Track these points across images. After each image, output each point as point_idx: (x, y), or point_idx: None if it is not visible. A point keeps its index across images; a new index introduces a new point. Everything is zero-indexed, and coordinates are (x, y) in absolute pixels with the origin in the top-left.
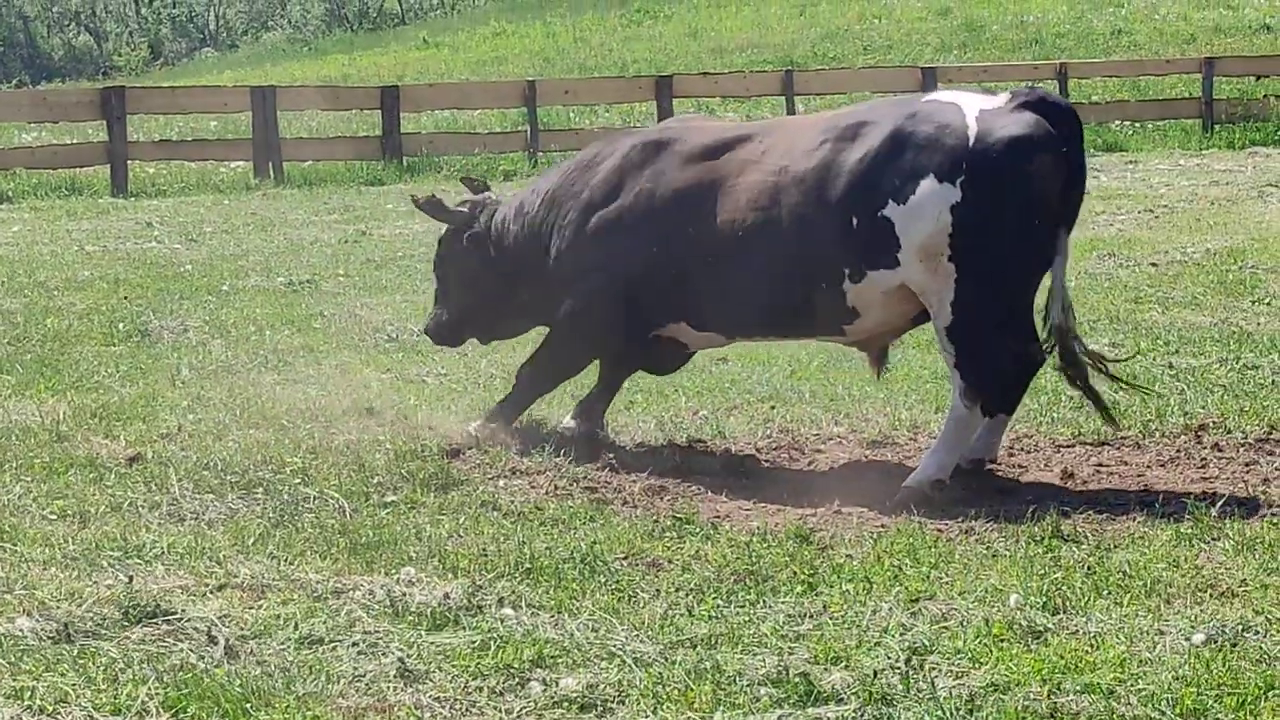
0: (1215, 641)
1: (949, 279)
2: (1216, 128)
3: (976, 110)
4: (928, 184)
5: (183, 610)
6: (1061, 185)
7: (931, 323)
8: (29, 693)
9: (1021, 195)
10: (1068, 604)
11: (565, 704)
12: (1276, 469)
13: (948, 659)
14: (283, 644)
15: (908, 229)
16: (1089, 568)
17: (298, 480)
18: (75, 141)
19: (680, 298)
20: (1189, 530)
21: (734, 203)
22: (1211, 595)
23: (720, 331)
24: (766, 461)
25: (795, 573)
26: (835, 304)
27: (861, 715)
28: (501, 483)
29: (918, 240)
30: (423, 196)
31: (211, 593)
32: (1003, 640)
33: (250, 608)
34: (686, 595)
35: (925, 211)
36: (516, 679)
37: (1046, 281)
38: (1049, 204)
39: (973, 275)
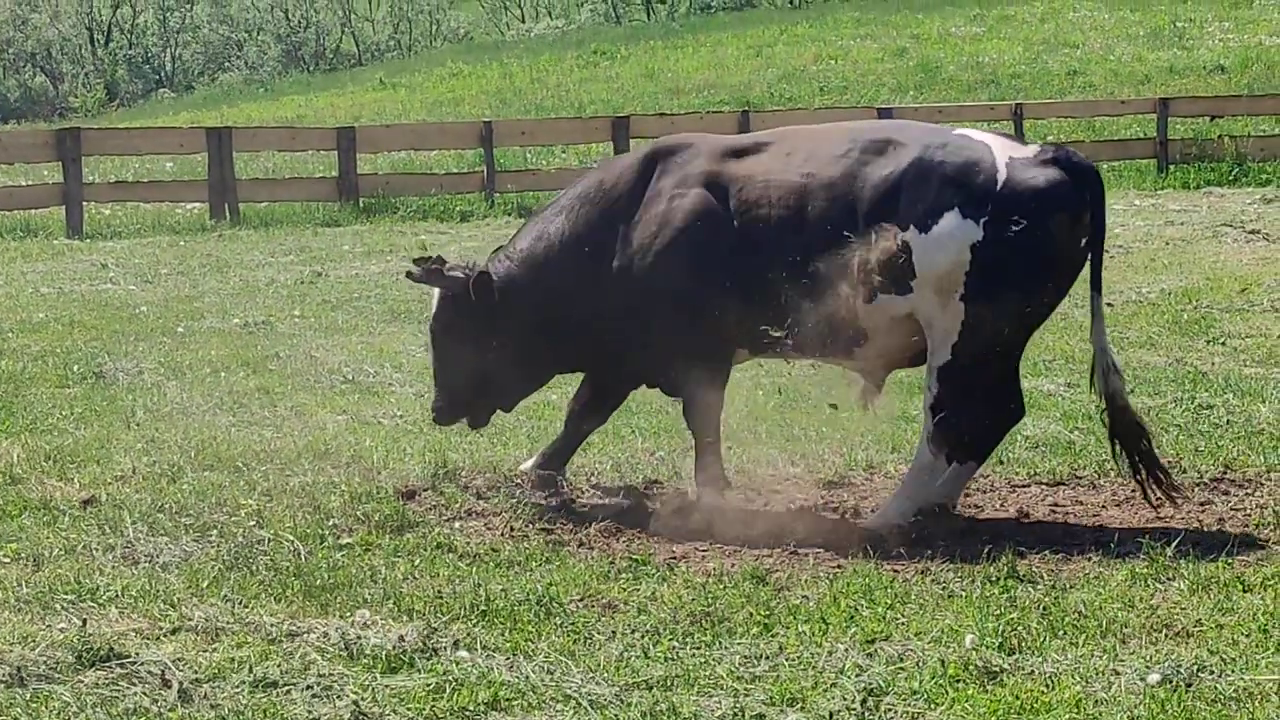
0: (1170, 682)
1: (957, 318)
2: (1171, 168)
3: (1006, 155)
4: (952, 217)
5: (136, 654)
6: (1081, 245)
7: (929, 360)
8: None
9: (1040, 246)
10: (1023, 644)
11: None
12: (1231, 509)
13: (903, 700)
14: (237, 687)
15: (925, 259)
16: (1045, 608)
17: (252, 523)
18: (30, 183)
19: (730, 312)
20: (1144, 570)
21: (762, 206)
22: (1167, 635)
23: (750, 349)
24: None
25: (751, 614)
26: (848, 324)
27: None
28: (457, 525)
29: (935, 272)
30: (418, 268)
31: (165, 636)
32: (958, 681)
33: (204, 651)
34: (642, 637)
35: (946, 245)
36: None
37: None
38: (1064, 260)
39: (980, 318)
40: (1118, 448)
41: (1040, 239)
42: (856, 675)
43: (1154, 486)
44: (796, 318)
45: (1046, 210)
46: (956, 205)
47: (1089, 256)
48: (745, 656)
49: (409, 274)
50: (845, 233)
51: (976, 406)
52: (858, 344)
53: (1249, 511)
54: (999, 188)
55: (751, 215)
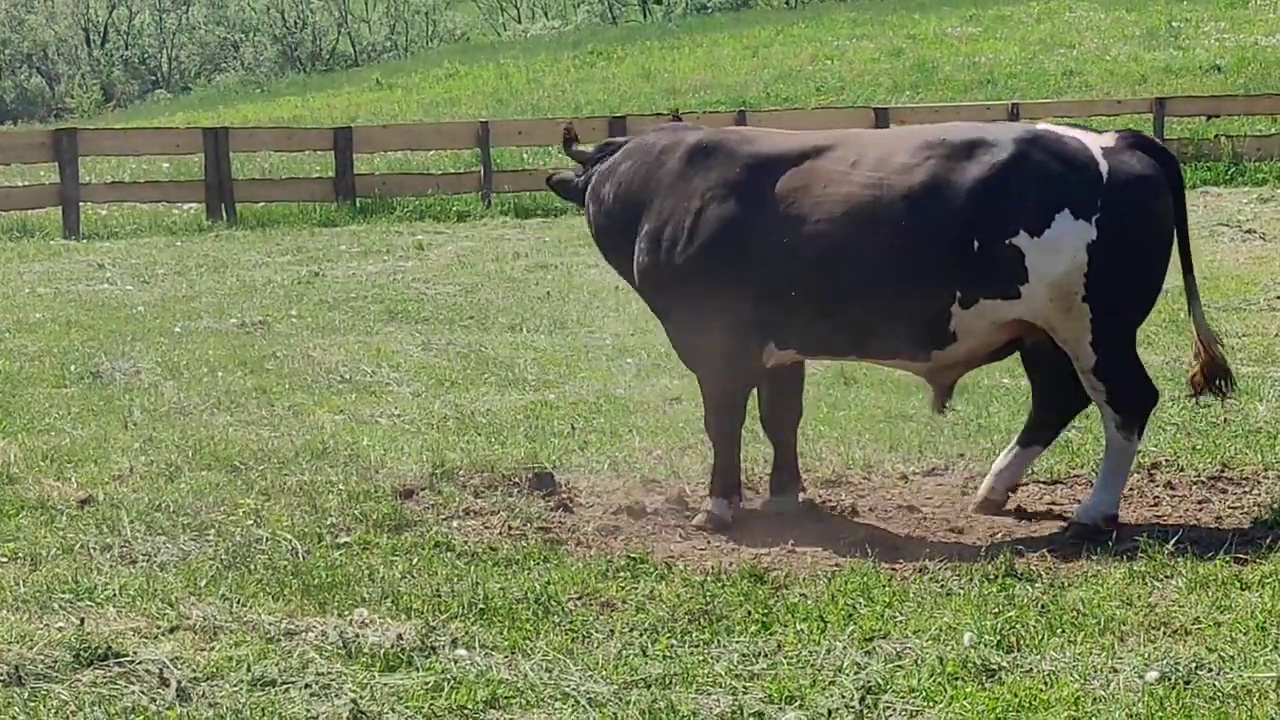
0: (1168, 679)
1: (1084, 319)
2: None
3: (1099, 146)
4: (1064, 219)
5: (134, 652)
6: (1173, 223)
7: (1073, 363)
8: None
9: (1151, 234)
10: (1021, 642)
11: None
12: (1229, 507)
13: (902, 698)
14: (235, 686)
15: (1040, 263)
16: (1043, 606)
17: (250, 522)
18: (27, 184)
19: (764, 314)
20: (1142, 568)
21: (823, 214)
22: (1165, 633)
23: (801, 349)
24: None
25: (750, 612)
26: (934, 326)
27: None
28: (455, 523)
29: (1050, 277)
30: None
31: (163, 635)
32: (957, 679)
33: (202, 650)
34: (641, 635)
35: (1062, 247)
36: None
37: None
38: (1168, 241)
39: (1108, 314)
40: (1204, 377)
41: (1151, 225)
42: (855, 673)
43: (1220, 382)
44: (867, 327)
45: (1152, 195)
46: (1067, 206)
47: (1179, 236)
48: (743, 654)
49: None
50: (937, 241)
51: (1143, 382)
52: (941, 346)
53: (1246, 509)
54: (1106, 182)
55: (813, 226)
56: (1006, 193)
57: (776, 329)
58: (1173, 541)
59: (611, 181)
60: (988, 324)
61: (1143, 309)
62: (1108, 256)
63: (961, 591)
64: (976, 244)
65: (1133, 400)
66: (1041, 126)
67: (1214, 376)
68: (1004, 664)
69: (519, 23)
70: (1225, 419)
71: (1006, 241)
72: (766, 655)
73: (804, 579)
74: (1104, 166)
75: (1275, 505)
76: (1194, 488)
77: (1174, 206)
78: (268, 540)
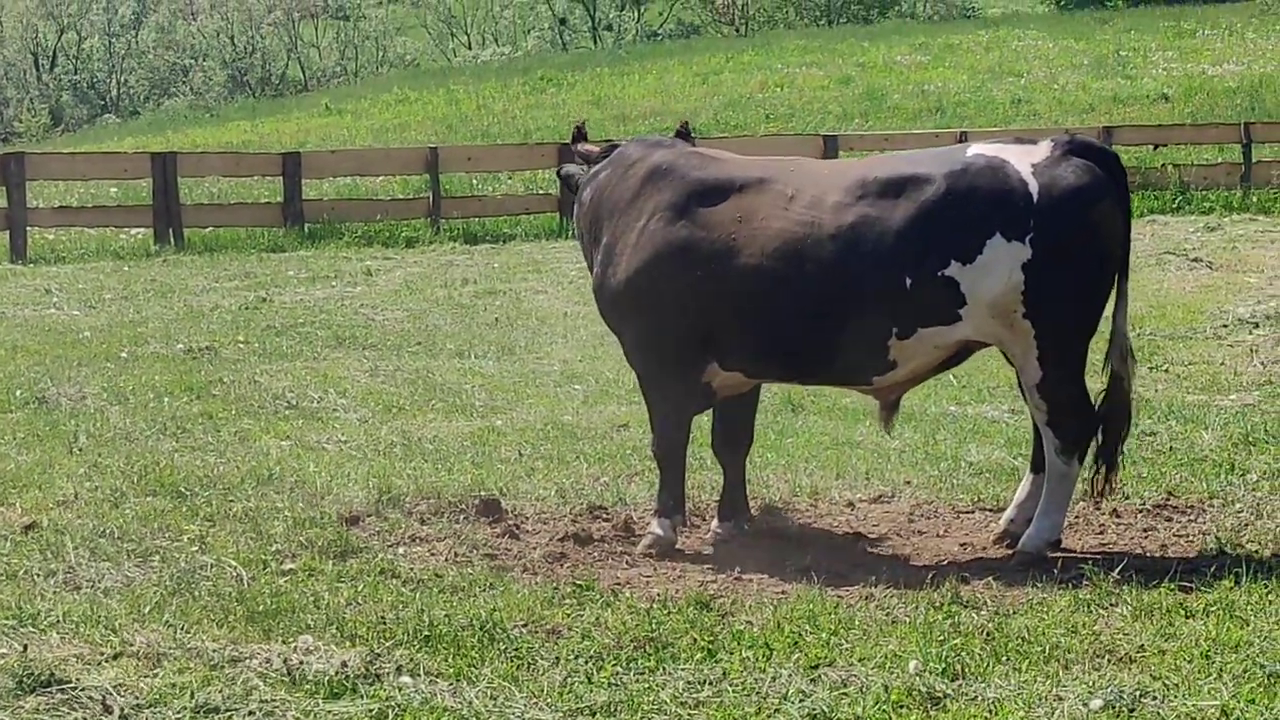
0: (1113, 707)
1: (1028, 335)
2: None
3: (1028, 164)
4: (996, 243)
5: (77, 679)
6: (1120, 226)
7: (1020, 380)
8: None
9: (1089, 244)
10: (967, 670)
11: None
12: (1174, 535)
13: None
14: (178, 713)
15: (976, 288)
16: (988, 634)
17: (195, 548)
18: None
19: (707, 338)
20: (1087, 596)
21: (759, 250)
22: (1110, 661)
23: (745, 372)
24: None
25: (695, 639)
26: (873, 356)
27: None
28: (401, 550)
29: (987, 298)
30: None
31: (107, 661)
32: (902, 706)
33: (146, 676)
34: (586, 662)
35: (995, 270)
36: None
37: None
38: (1113, 249)
39: (1052, 330)
40: (1101, 427)
41: (1089, 234)
42: (800, 701)
43: (1103, 474)
44: (812, 355)
45: (1085, 206)
46: (997, 230)
47: (1124, 240)
48: (689, 682)
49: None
50: (869, 280)
51: (1086, 406)
52: (882, 373)
53: (1191, 538)
54: (1036, 200)
55: (747, 263)
56: (935, 228)
57: (720, 351)
58: (1118, 569)
59: (592, 187)
60: (929, 348)
61: (1090, 320)
62: (1045, 273)
63: (907, 619)
64: (909, 281)
65: (1073, 424)
66: (973, 150)
67: (1114, 418)
68: (949, 692)
69: (469, 49)
70: (1171, 447)
71: (939, 274)
72: (712, 683)
73: (750, 606)
74: (1034, 185)
75: (1220, 534)
76: (1139, 516)
77: (1119, 209)
78: (212, 566)
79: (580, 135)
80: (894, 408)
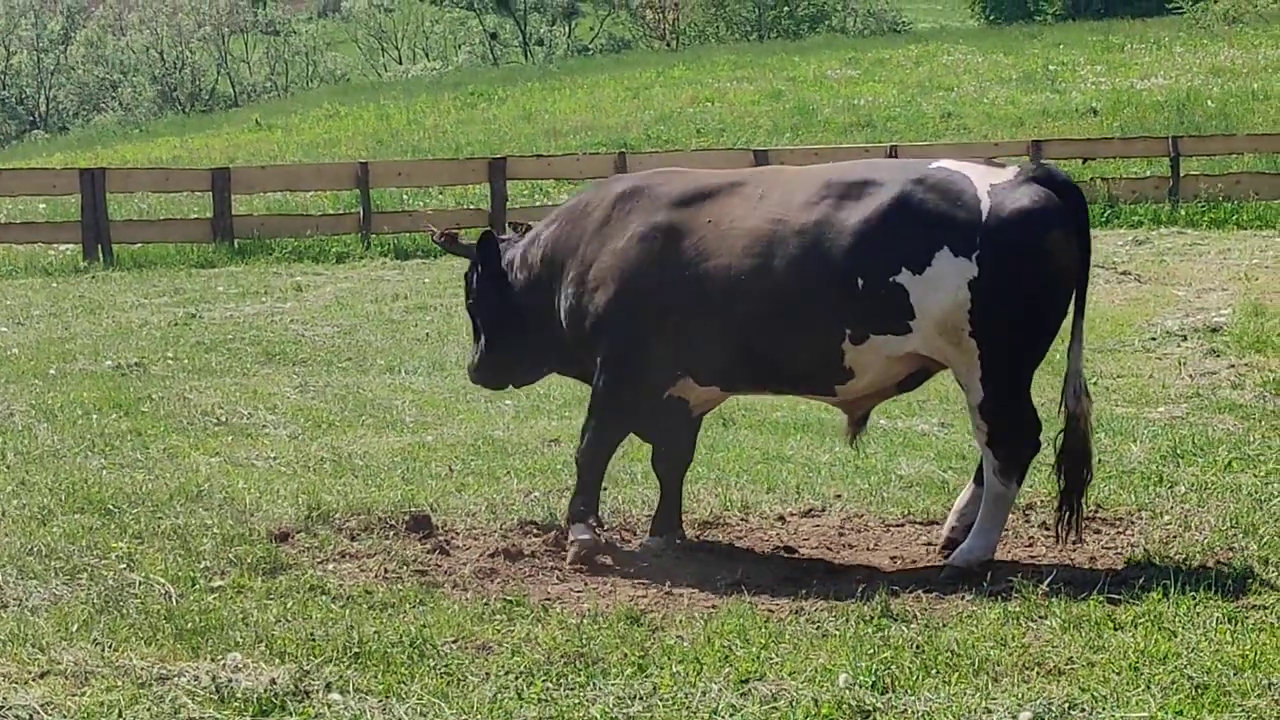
0: (1042, 719)
1: (973, 355)
2: None
3: (987, 183)
4: (944, 256)
5: (5, 699)
6: (1073, 258)
7: (965, 398)
8: None
9: (1037, 269)
10: (896, 683)
11: None
12: (1103, 547)
13: None
14: None
15: (924, 299)
16: (918, 646)
17: (123, 566)
18: None
19: (683, 349)
20: (1017, 609)
21: (729, 250)
22: (1039, 673)
23: (719, 385)
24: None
25: (626, 654)
26: (830, 363)
27: None
28: (330, 567)
29: (935, 313)
30: (439, 230)
31: (34, 680)
32: None
33: (74, 695)
34: (516, 678)
35: (943, 285)
36: None
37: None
38: (1063, 277)
39: (997, 350)
40: (1061, 469)
41: (1038, 259)
42: (731, 715)
43: (1067, 519)
44: (773, 361)
45: (1035, 232)
46: (946, 244)
47: (1080, 274)
48: (619, 697)
49: (430, 232)
50: (825, 279)
51: (1028, 429)
52: (842, 381)
53: (1120, 550)
54: (985, 219)
55: (716, 264)
56: (888, 232)
57: (694, 364)
58: (1047, 582)
59: (541, 243)
60: (882, 359)
61: (1036, 346)
62: (992, 293)
63: (837, 632)
64: (861, 282)
65: (1013, 446)
66: (938, 163)
67: (1073, 460)
68: (879, 705)
69: (399, 64)
70: (1099, 460)
71: (890, 279)
72: (642, 698)
73: (680, 621)
74: (986, 204)
75: (1148, 546)
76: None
77: (1073, 241)
78: (140, 584)
79: (453, 238)
80: (861, 423)
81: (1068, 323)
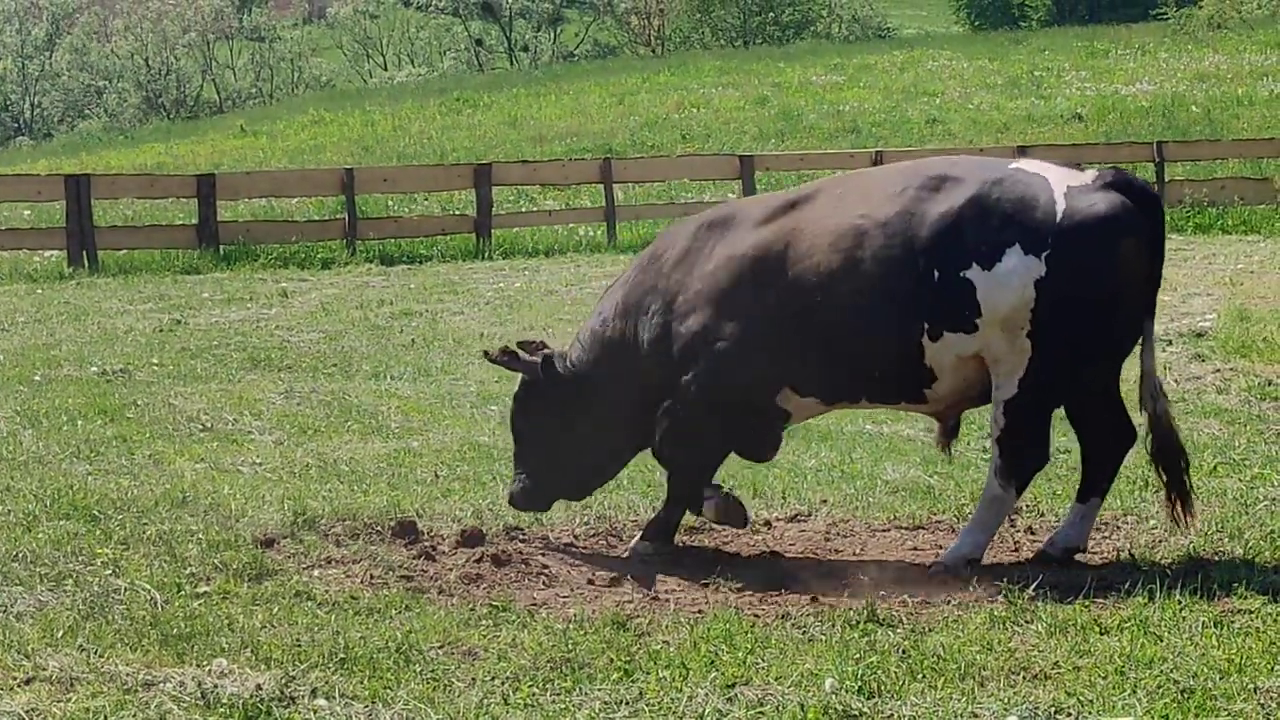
0: None
1: (1023, 355)
2: None
3: (1064, 185)
4: (1013, 254)
5: None
6: (1146, 268)
7: (992, 391)
8: None
9: (1106, 276)
10: (882, 688)
11: None
12: (1089, 551)
13: None
14: None
15: (991, 296)
16: (904, 651)
17: (109, 572)
18: None
19: (782, 359)
20: (1003, 613)
21: (818, 250)
22: (1025, 678)
23: (819, 396)
24: (584, 548)
25: (612, 660)
26: (913, 363)
27: None
28: (316, 573)
29: (1001, 310)
30: (495, 351)
31: (19, 686)
32: None
33: (59, 701)
34: (502, 684)
35: (1010, 282)
36: None
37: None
38: (1132, 287)
39: (1047, 354)
40: (1159, 466)
41: (1107, 266)
42: None
43: (1180, 508)
44: (864, 364)
45: (1111, 236)
46: (1017, 241)
47: (1151, 281)
48: (605, 702)
49: (485, 352)
50: (907, 270)
51: (1042, 441)
52: (928, 384)
53: (1105, 554)
54: (1058, 220)
55: (805, 266)
56: (963, 227)
57: (795, 374)
58: (1033, 586)
59: (606, 315)
60: (954, 358)
61: (1090, 353)
62: (1057, 294)
63: (823, 637)
64: (936, 275)
65: (1022, 453)
66: (1016, 164)
67: (1167, 455)
68: (865, 710)
69: (385, 70)
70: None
71: (960, 274)
72: (628, 703)
73: (666, 626)
74: (1061, 205)
75: (1134, 550)
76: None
77: (1147, 249)
78: (126, 590)
79: (515, 355)
80: (953, 432)
81: None
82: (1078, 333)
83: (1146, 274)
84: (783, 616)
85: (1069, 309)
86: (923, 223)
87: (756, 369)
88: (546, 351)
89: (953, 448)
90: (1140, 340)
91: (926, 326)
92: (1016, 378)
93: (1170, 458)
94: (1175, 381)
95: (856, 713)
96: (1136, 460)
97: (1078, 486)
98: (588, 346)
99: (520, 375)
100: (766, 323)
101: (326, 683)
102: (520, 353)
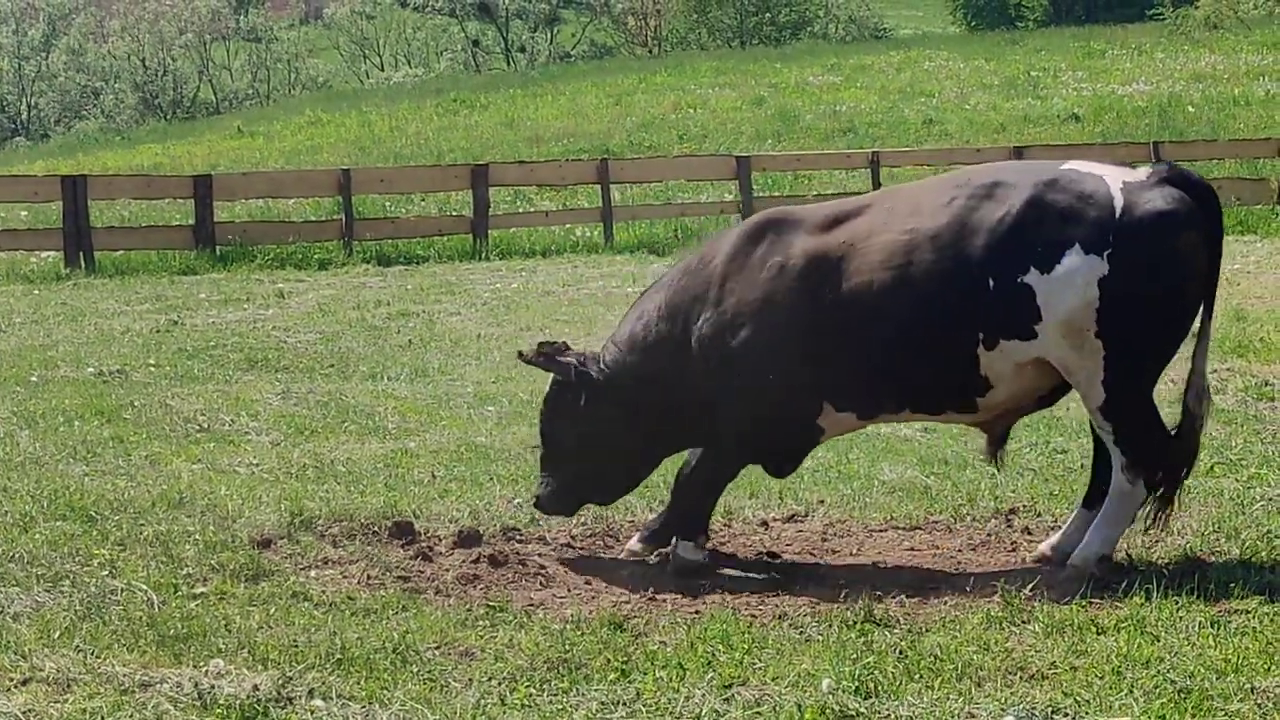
0: None
1: (1098, 356)
2: None
3: (1120, 182)
4: (1074, 255)
5: None
6: (1206, 260)
7: (1082, 402)
8: None
9: (1168, 271)
10: (880, 688)
11: None
12: None
13: None
14: None
15: (1051, 300)
16: (901, 651)
17: (105, 572)
18: None
19: (827, 376)
20: (1000, 613)
21: (868, 266)
22: (1021, 678)
23: (857, 411)
24: (581, 549)
25: (609, 660)
26: (968, 373)
27: None
28: (313, 573)
29: (1062, 313)
30: (530, 351)
31: (16, 687)
32: None
33: (56, 702)
34: (499, 684)
35: (1072, 283)
36: None
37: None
38: (1194, 280)
39: (1122, 352)
40: (1176, 463)
41: (1169, 260)
42: None
43: (1155, 512)
44: (915, 378)
45: (1172, 231)
46: (1077, 242)
47: (1210, 275)
48: (602, 703)
49: (520, 354)
50: (960, 280)
51: (1157, 429)
52: (981, 394)
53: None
54: (1119, 217)
55: (855, 283)
56: (1019, 232)
57: (834, 390)
58: (1030, 586)
59: (649, 318)
60: (1012, 365)
61: (1163, 348)
62: (1122, 292)
63: (820, 637)
64: (992, 283)
65: (1143, 442)
66: (1069, 164)
67: (1179, 457)
68: (862, 710)
69: (382, 70)
70: (1082, 465)
71: (1018, 279)
72: (625, 703)
73: (664, 626)
74: (1119, 202)
75: (1131, 550)
76: (1051, 533)
77: (1206, 244)
78: (123, 591)
79: (551, 356)
80: (1001, 442)
81: None
82: (1147, 327)
83: (1205, 268)
84: (780, 617)
85: (1135, 305)
86: (976, 231)
87: (801, 384)
88: (580, 353)
89: (1000, 455)
90: (1197, 335)
91: (982, 336)
92: (1099, 381)
93: (1180, 458)
94: (1171, 382)
95: (853, 713)
96: None
97: (1084, 492)
98: (626, 349)
99: (551, 376)
100: (815, 338)
101: (323, 683)
102: (556, 355)
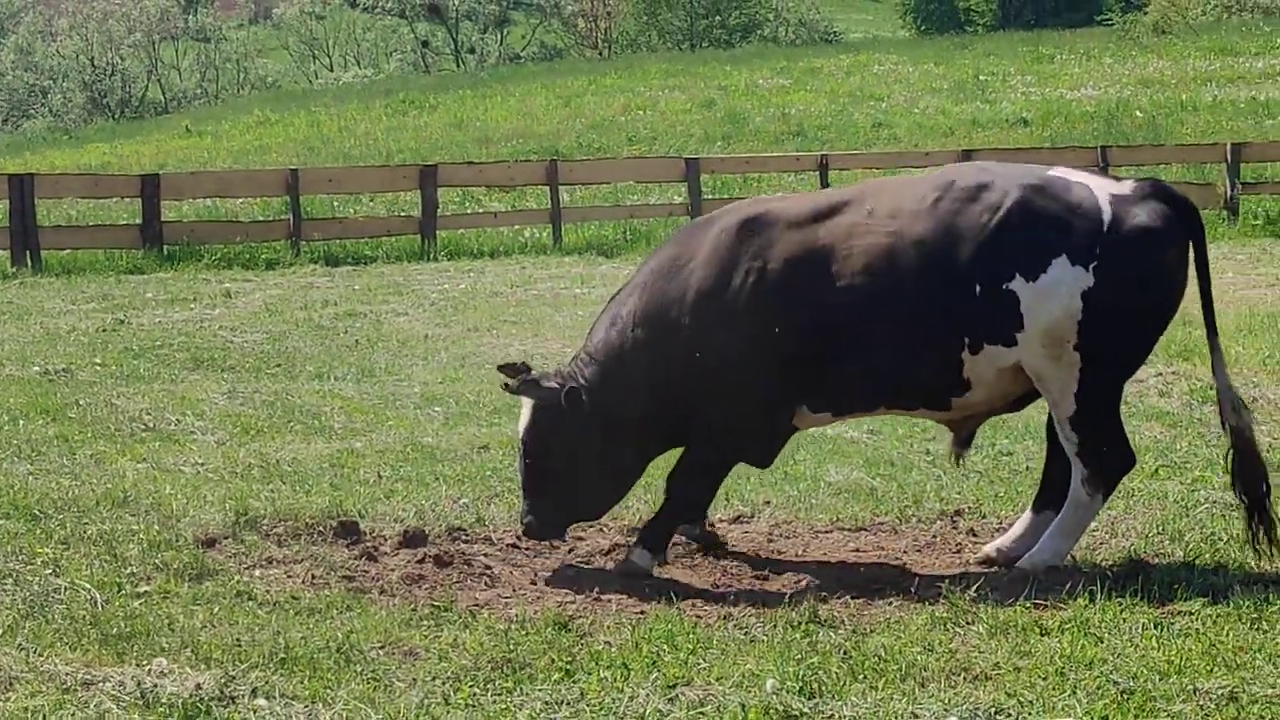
0: None
1: (1073, 368)
2: None
3: (1108, 194)
4: (1060, 265)
5: None
6: (1185, 277)
7: (1051, 411)
8: None
9: (1151, 286)
10: (824, 688)
11: None
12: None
13: None
14: None
15: (1034, 309)
16: (845, 652)
17: (49, 571)
18: None
19: (807, 378)
20: (944, 614)
21: (850, 270)
22: (965, 679)
23: (834, 410)
24: (527, 549)
25: (553, 660)
26: (950, 375)
27: None
28: (257, 573)
29: (1043, 323)
30: (513, 380)
31: None
32: None
33: None
34: (443, 684)
35: (1056, 293)
36: None
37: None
38: (1174, 297)
39: (1098, 365)
40: (1239, 486)
41: (1151, 277)
42: None
43: (1263, 533)
44: (895, 377)
45: (1154, 248)
46: (1064, 251)
47: (1199, 291)
48: (546, 703)
49: (505, 386)
50: (947, 285)
51: (1120, 442)
52: (959, 394)
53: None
54: (1106, 229)
55: (838, 285)
56: (1006, 237)
57: (812, 392)
58: (974, 588)
59: (623, 322)
60: (994, 370)
61: (1135, 362)
62: (1104, 305)
63: (765, 638)
64: (978, 288)
65: (1104, 457)
66: (1055, 171)
67: (1249, 474)
68: (806, 710)
69: (331, 71)
70: (1027, 466)
71: (1003, 285)
72: (570, 703)
73: (608, 627)
74: (1107, 214)
75: (1075, 552)
76: (996, 535)
77: (1187, 261)
78: (66, 589)
79: (535, 382)
80: (966, 444)
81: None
82: (1124, 341)
83: (1185, 284)
84: (725, 617)
85: (1115, 320)
86: (963, 235)
87: (781, 385)
88: (558, 373)
89: (964, 456)
90: (1210, 354)
91: (968, 340)
92: (1071, 393)
93: (1252, 476)
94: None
95: (797, 713)
96: None
97: (1034, 496)
98: (603, 360)
99: (530, 401)
100: (795, 341)
101: (267, 682)
102: (538, 381)
